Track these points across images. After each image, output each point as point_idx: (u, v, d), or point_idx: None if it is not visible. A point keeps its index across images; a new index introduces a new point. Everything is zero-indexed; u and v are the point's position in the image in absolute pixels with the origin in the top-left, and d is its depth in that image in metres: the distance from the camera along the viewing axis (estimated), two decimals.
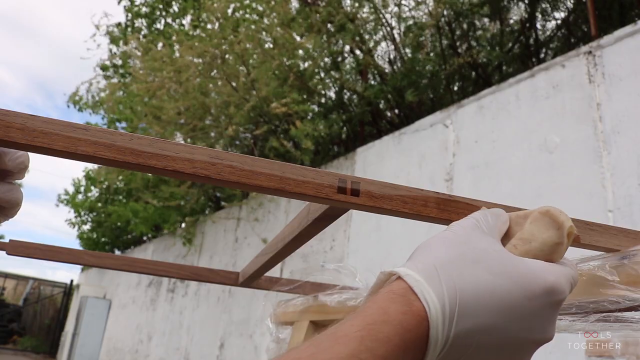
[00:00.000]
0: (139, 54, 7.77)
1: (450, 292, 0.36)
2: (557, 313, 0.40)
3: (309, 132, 4.95)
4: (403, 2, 5.56)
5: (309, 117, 5.52)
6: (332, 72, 5.95)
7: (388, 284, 0.38)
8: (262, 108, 5.56)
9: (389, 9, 5.58)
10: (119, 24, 10.08)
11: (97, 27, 9.76)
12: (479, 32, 5.66)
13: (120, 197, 11.29)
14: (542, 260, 0.42)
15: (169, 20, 10.17)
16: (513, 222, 0.47)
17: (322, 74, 6.06)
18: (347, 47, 5.96)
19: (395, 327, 0.33)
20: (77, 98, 9.87)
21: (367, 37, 5.73)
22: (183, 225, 8.31)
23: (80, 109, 10.00)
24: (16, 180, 0.53)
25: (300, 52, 5.78)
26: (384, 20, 5.57)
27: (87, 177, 13.12)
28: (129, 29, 10.01)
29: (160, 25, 10.18)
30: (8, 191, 0.51)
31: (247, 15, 6.62)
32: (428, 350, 0.34)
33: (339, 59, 5.94)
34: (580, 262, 0.58)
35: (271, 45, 5.83)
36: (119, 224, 10.35)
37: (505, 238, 0.45)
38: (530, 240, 0.43)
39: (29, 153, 0.50)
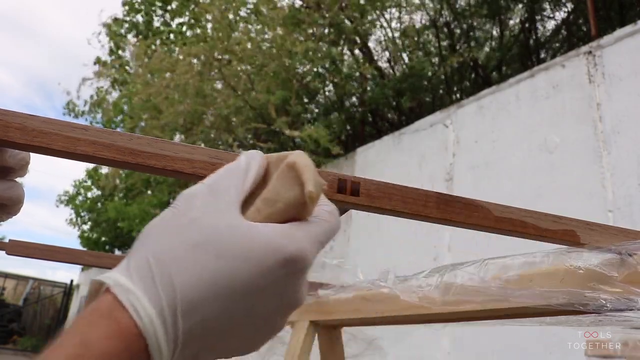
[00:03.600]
0: (132, 49, 7.77)
1: (167, 291, 0.31)
2: (304, 278, 0.36)
3: (312, 134, 4.96)
4: (403, 3, 5.56)
5: (309, 122, 5.53)
6: (333, 74, 5.95)
7: (100, 296, 0.32)
8: (262, 113, 5.56)
9: (389, 11, 5.58)
10: (116, 19, 10.07)
11: (104, 25, 9.76)
12: (479, 33, 5.67)
13: (120, 195, 11.30)
14: (286, 224, 0.36)
15: (167, 18, 10.16)
16: (273, 166, 0.39)
17: (322, 75, 6.06)
18: (347, 49, 5.96)
19: (97, 359, 0.29)
20: (71, 106, 9.92)
21: (367, 38, 5.73)
22: None
23: (76, 116, 10.02)
24: (18, 178, 0.52)
25: (299, 53, 5.78)
26: (383, 22, 5.57)
27: (89, 175, 13.13)
28: (126, 25, 10.01)
29: (157, 23, 10.18)
30: (9, 188, 0.51)
31: (244, 14, 6.62)
32: None
33: (338, 61, 5.94)
34: (578, 257, 0.58)
35: (270, 46, 5.83)
36: (118, 224, 10.35)
37: (261, 187, 0.38)
38: (275, 201, 0.36)
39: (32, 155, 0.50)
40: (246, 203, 0.37)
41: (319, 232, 0.37)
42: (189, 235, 0.34)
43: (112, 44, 9.97)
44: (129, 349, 0.30)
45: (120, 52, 10.09)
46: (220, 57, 5.71)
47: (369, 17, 5.63)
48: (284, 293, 0.35)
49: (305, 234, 0.36)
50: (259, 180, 0.39)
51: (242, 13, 6.68)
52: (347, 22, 5.33)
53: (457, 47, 5.34)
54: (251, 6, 6.59)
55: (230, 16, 6.34)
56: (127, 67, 9.63)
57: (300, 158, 0.37)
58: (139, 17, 10.21)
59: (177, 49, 6.94)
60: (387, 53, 5.99)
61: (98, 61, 9.82)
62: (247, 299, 0.33)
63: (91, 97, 9.74)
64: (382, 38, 5.88)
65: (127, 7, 9.99)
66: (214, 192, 0.36)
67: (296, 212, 0.37)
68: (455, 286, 0.69)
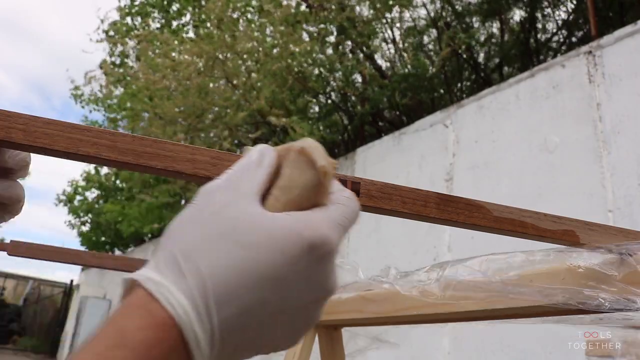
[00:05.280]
0: (136, 49, 7.78)
1: (198, 283, 0.32)
2: (332, 263, 0.36)
3: (312, 132, 4.97)
4: (404, 2, 5.57)
5: (308, 122, 5.53)
6: (333, 74, 5.95)
7: (132, 292, 0.33)
8: (261, 112, 5.56)
9: (392, 11, 5.58)
10: (115, 23, 10.08)
11: (102, 20, 9.77)
12: (479, 33, 5.67)
13: (120, 196, 11.30)
14: (304, 211, 0.37)
15: (167, 19, 10.17)
16: (282, 157, 0.40)
17: (323, 74, 6.06)
18: (348, 49, 5.96)
19: (134, 349, 0.29)
20: (79, 92, 9.91)
21: (367, 38, 5.74)
22: None
23: (82, 105, 10.04)
24: (19, 179, 0.52)
25: (299, 52, 5.79)
26: (384, 22, 5.57)
27: (88, 179, 13.12)
28: (124, 28, 10.01)
29: (157, 25, 10.18)
30: (8, 187, 0.50)
31: (248, 13, 6.62)
32: (193, 354, 0.31)
33: (339, 62, 5.95)
34: (578, 256, 0.58)
35: (271, 46, 5.84)
36: (117, 225, 10.36)
37: (276, 180, 0.39)
38: (290, 188, 0.37)
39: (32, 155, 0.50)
40: (263, 196, 0.38)
41: (338, 215, 0.37)
42: (212, 227, 0.34)
43: (111, 46, 9.99)
44: (166, 339, 0.30)
45: (120, 52, 10.09)
46: (222, 55, 5.71)
47: (372, 19, 5.63)
48: (314, 280, 0.35)
49: (324, 218, 0.36)
50: (273, 173, 0.39)
51: (246, 11, 6.69)
52: (349, 22, 5.34)
53: (457, 48, 5.34)
54: (255, 2, 6.60)
55: (235, 15, 6.35)
56: (127, 68, 9.64)
57: (308, 142, 0.38)
58: (137, 20, 10.21)
59: (178, 48, 6.93)
60: (387, 53, 5.99)
61: (103, 64, 9.87)
62: (278, 288, 0.33)
63: (98, 88, 9.74)
64: (384, 38, 5.88)
65: (122, 12, 9.99)
66: (232, 186, 0.37)
67: (314, 195, 0.37)
68: (455, 281, 0.69)
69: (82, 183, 13.39)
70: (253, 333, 0.34)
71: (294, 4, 5.93)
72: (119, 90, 9.32)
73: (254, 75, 5.85)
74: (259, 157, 0.39)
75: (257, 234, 0.34)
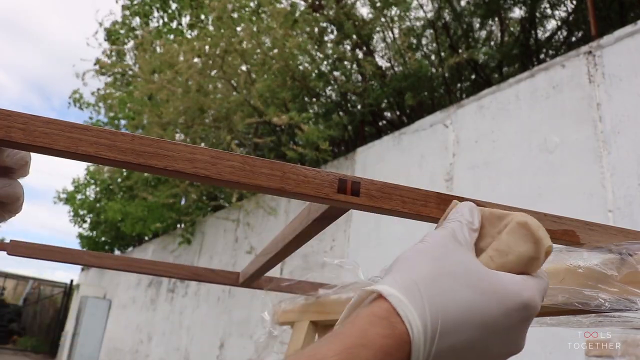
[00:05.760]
0: (135, 51, 7.77)
1: (432, 311, 0.35)
2: (529, 326, 0.41)
3: (319, 134, 4.98)
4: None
5: (311, 122, 5.53)
6: (333, 73, 5.95)
7: (368, 301, 0.37)
8: (260, 112, 5.56)
9: (390, 9, 5.58)
10: (115, 22, 10.08)
11: (101, 23, 9.77)
12: (479, 33, 5.67)
13: (120, 194, 11.29)
14: (517, 274, 0.41)
15: (166, 19, 10.16)
16: (486, 220, 0.45)
17: (324, 74, 6.07)
18: (348, 48, 5.96)
19: (376, 352, 0.33)
20: (77, 96, 9.88)
21: (367, 38, 5.74)
22: (182, 225, 8.30)
23: (81, 107, 10.02)
24: (20, 179, 0.52)
25: (298, 52, 5.79)
26: (384, 21, 5.57)
27: (91, 177, 13.11)
28: (124, 28, 10.01)
29: (157, 24, 10.18)
30: (6, 185, 0.50)
31: (246, 13, 6.62)
32: None
33: (338, 62, 5.95)
34: (578, 256, 0.58)
35: (270, 45, 5.84)
36: (118, 224, 10.34)
37: (479, 239, 0.44)
38: (506, 253, 0.42)
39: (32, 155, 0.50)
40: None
41: (543, 285, 0.42)
42: (443, 265, 0.38)
43: (111, 46, 9.98)
44: (398, 351, 0.34)
45: (119, 52, 10.09)
46: (221, 55, 5.71)
47: (372, 18, 5.63)
48: (514, 336, 0.40)
49: (534, 285, 0.41)
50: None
51: (245, 11, 6.69)
52: (349, 21, 5.34)
53: (457, 47, 5.34)
54: (254, 3, 6.60)
55: (235, 15, 6.35)
56: (127, 68, 9.62)
57: (530, 218, 0.43)
58: (137, 20, 10.20)
59: (177, 46, 6.94)
60: (387, 53, 5.99)
61: (98, 62, 9.83)
62: (487, 334, 0.37)
63: (97, 90, 9.73)
64: (384, 38, 5.88)
65: (126, 12, 9.98)
66: (455, 237, 0.42)
67: (524, 265, 0.42)
68: None
69: (84, 181, 13.39)
70: None
71: (291, 2, 5.94)
72: (118, 91, 9.31)
73: (253, 76, 5.85)
74: (471, 214, 0.45)
75: (486, 282, 0.38)
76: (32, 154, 0.50)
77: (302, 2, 5.92)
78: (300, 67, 5.88)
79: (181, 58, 6.06)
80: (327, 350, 0.32)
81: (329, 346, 0.33)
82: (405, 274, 0.38)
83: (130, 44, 9.06)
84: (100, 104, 9.84)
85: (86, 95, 9.98)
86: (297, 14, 5.82)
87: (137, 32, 9.79)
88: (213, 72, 6.04)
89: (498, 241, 0.43)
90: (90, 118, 11.12)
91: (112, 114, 9.69)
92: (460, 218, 0.45)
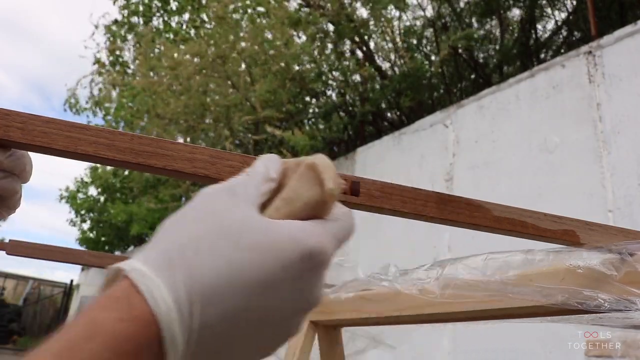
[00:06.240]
0: (135, 51, 7.77)
1: (187, 281, 0.31)
2: (322, 276, 0.36)
3: (308, 142, 5.00)
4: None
5: (309, 122, 5.55)
6: (333, 74, 5.96)
7: (116, 282, 0.32)
8: (258, 115, 5.57)
9: (389, 10, 5.58)
10: (115, 21, 10.07)
11: (96, 26, 9.76)
12: (479, 33, 5.66)
13: (120, 195, 11.28)
14: (305, 221, 0.36)
15: (166, 18, 10.15)
16: (290, 170, 0.40)
17: (324, 75, 6.07)
18: (348, 48, 5.96)
19: (106, 342, 0.28)
20: (72, 101, 9.86)
21: (367, 38, 5.74)
22: None
23: (77, 112, 9.99)
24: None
25: (299, 52, 5.79)
26: (383, 20, 5.57)
27: (93, 176, 13.10)
28: (125, 27, 10.00)
29: (157, 23, 10.17)
30: (3, 178, 0.49)
31: (247, 13, 6.62)
32: (167, 354, 0.30)
33: (339, 62, 5.95)
34: (578, 256, 0.58)
35: (271, 46, 5.84)
36: (118, 224, 10.34)
37: (280, 191, 0.39)
38: (293, 200, 0.37)
39: (31, 154, 0.50)
40: (264, 207, 0.38)
41: (336, 229, 0.37)
42: (207, 226, 0.33)
43: (110, 45, 9.97)
44: (141, 334, 0.29)
45: (119, 52, 10.08)
46: (222, 55, 5.72)
47: (372, 18, 5.63)
48: (303, 289, 0.35)
49: (324, 230, 0.36)
50: (277, 185, 0.39)
51: (246, 12, 6.69)
52: (348, 21, 5.34)
53: (457, 48, 5.34)
54: (253, 3, 6.60)
55: (235, 15, 6.36)
56: (126, 68, 9.62)
57: (320, 159, 0.38)
58: (137, 19, 10.19)
59: (177, 49, 6.93)
60: (387, 53, 5.99)
61: (97, 62, 9.82)
62: (266, 293, 0.33)
63: (92, 94, 9.70)
64: (383, 38, 5.88)
65: (126, 10, 9.96)
66: (232, 191, 0.37)
67: (315, 211, 0.37)
68: (455, 280, 0.69)
69: (87, 180, 13.40)
70: (230, 340, 0.33)
71: (292, 4, 5.95)
72: (116, 93, 9.31)
73: (253, 75, 5.85)
74: (265, 167, 0.39)
75: (254, 237, 0.33)
76: (32, 154, 0.50)
77: (303, 3, 5.92)
78: (300, 68, 5.88)
79: (181, 58, 6.06)
80: (44, 352, 0.28)
81: (50, 344, 0.28)
82: (159, 243, 0.33)
83: (130, 42, 9.05)
84: (97, 109, 9.81)
85: (83, 99, 9.90)
86: (299, 14, 5.82)
87: (138, 30, 9.78)
88: (213, 72, 6.04)
89: (287, 188, 0.38)
90: (89, 122, 11.08)
91: (109, 117, 9.68)
92: (249, 170, 0.39)
